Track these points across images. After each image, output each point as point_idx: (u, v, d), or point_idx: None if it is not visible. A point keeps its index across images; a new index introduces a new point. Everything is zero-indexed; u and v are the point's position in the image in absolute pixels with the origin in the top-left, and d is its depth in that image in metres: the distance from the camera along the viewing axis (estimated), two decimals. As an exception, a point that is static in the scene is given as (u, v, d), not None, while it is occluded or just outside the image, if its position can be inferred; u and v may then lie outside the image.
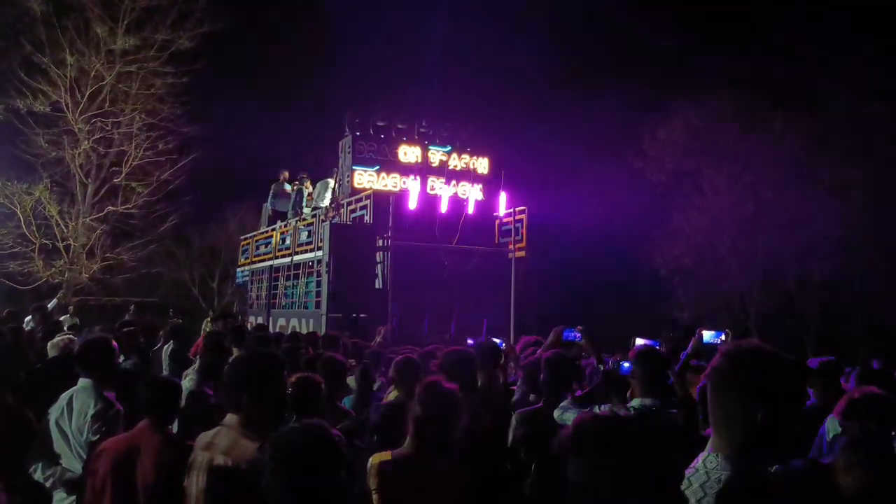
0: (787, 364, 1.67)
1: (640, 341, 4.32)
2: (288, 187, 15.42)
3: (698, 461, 1.68)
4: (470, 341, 6.23)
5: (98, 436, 3.37)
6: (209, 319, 12.48)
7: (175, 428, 4.21)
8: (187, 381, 4.28)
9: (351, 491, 2.65)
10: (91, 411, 3.46)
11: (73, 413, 3.50)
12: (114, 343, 3.83)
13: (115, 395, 3.64)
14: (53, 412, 3.55)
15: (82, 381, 3.61)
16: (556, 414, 3.76)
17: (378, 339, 7.68)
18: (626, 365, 3.77)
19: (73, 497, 3.37)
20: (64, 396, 3.59)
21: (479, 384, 4.49)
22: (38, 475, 3.41)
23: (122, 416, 3.54)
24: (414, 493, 2.81)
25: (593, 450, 1.36)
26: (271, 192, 16.00)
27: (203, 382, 4.14)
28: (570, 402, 3.80)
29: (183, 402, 4.08)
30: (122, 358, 5.89)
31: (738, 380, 1.65)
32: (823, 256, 19.30)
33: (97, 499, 2.98)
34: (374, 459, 2.87)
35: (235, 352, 4.52)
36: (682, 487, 1.63)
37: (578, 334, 4.95)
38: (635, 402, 3.53)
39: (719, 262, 20.96)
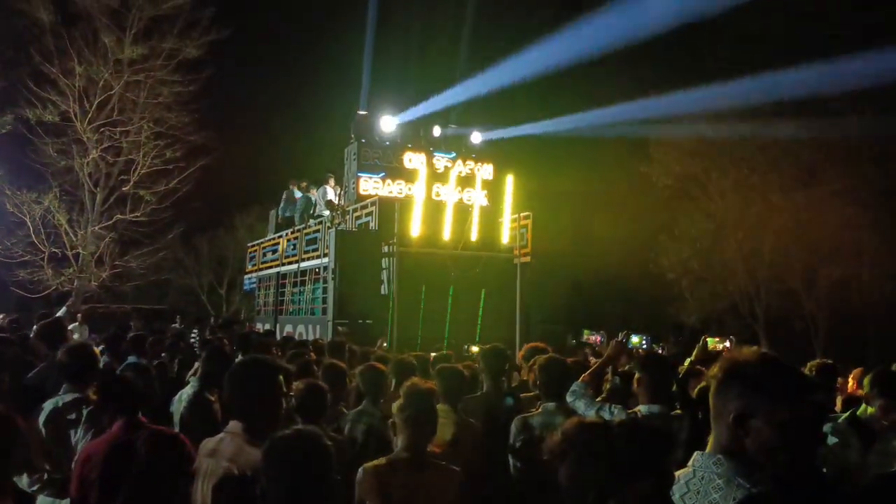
0: (776, 370, 1.67)
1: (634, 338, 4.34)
2: (298, 194, 15.49)
3: (691, 459, 1.74)
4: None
5: (88, 435, 3.42)
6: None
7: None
8: (188, 388, 4.30)
9: (342, 494, 2.68)
10: (84, 417, 3.51)
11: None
12: (95, 349, 3.88)
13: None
14: (41, 421, 3.56)
15: (67, 388, 3.63)
16: (569, 400, 3.71)
17: (379, 344, 7.70)
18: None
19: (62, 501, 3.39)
20: (49, 405, 3.61)
21: (484, 389, 4.50)
22: (23, 483, 3.43)
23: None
24: (410, 497, 2.80)
25: (578, 455, 1.38)
26: (283, 198, 16.09)
27: (204, 389, 4.16)
28: (582, 388, 3.72)
29: (186, 410, 4.13)
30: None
31: (724, 382, 1.70)
32: (831, 258, 19.17)
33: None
34: (367, 466, 2.86)
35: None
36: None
37: (599, 337, 4.98)
38: (642, 409, 3.53)
39: (726, 265, 20.85)
